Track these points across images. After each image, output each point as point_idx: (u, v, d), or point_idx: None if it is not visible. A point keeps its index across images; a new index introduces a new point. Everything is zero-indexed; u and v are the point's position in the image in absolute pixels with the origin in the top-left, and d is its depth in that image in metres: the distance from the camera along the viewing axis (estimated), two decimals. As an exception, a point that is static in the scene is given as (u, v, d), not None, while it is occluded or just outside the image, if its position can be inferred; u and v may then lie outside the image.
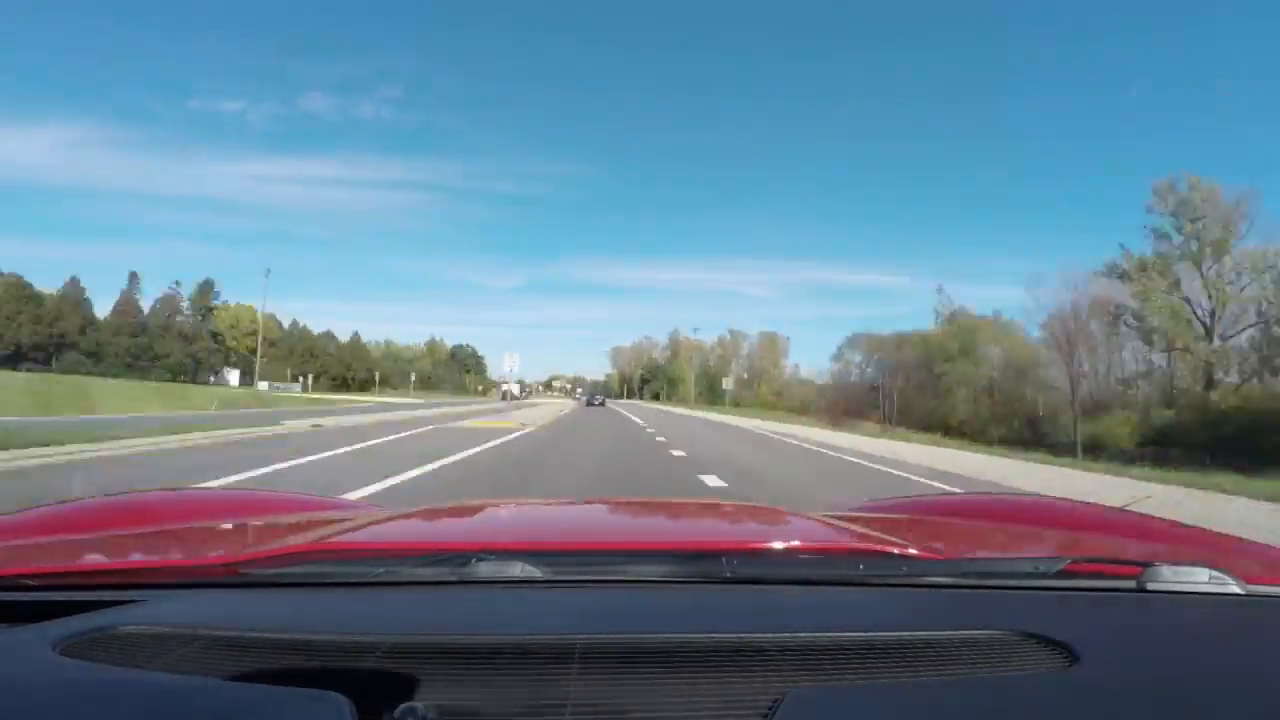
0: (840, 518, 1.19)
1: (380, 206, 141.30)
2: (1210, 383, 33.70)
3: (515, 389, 57.62)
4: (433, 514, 1.28)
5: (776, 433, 22.97)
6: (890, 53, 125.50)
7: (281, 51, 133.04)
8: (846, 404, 52.16)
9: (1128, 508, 1.68)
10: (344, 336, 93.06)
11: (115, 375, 46.45)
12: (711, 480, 8.48)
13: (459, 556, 0.76)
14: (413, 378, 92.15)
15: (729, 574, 0.76)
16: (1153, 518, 1.32)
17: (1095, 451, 28.04)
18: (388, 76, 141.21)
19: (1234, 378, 34.00)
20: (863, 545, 0.87)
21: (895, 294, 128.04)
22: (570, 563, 0.78)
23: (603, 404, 53.27)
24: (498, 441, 13.23)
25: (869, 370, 60.25)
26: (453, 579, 0.74)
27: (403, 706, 0.50)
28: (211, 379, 66.61)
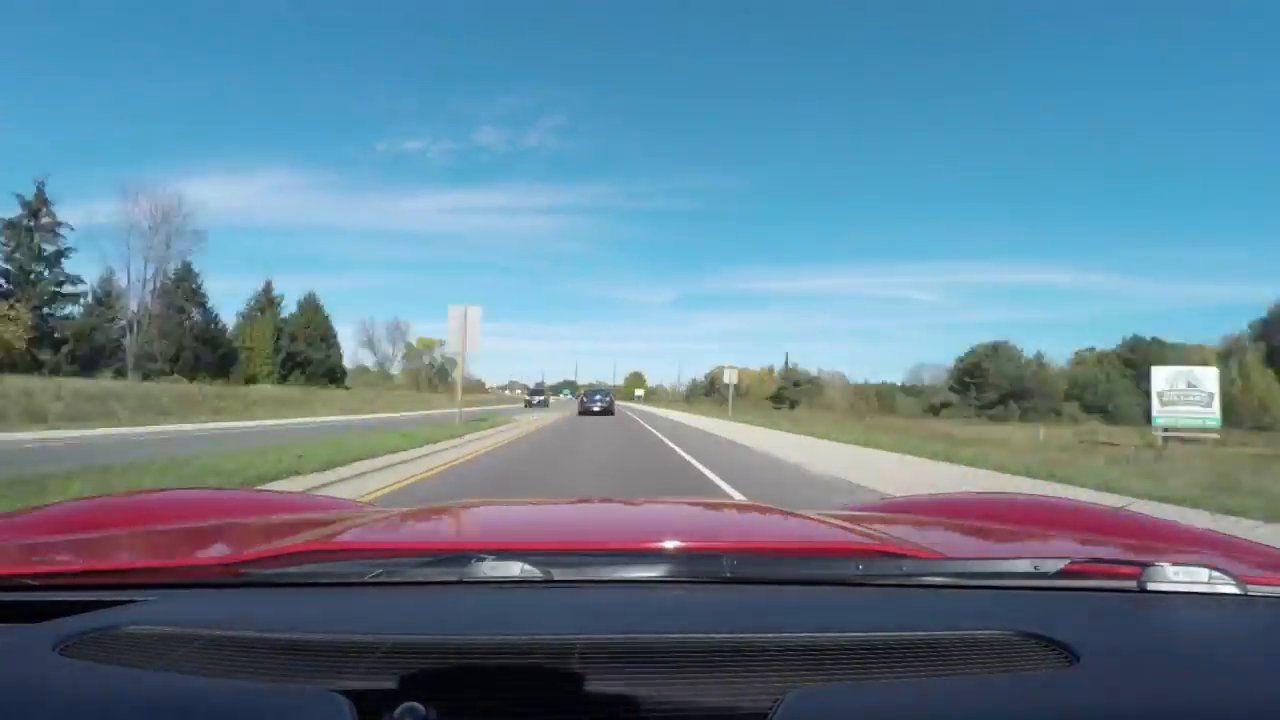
0: (840, 517, 1.19)
1: (542, 232, 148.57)
2: None
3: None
4: (433, 514, 1.28)
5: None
6: (1055, 46, 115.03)
7: (456, 91, 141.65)
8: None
9: (1128, 508, 1.68)
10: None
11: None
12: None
13: (459, 556, 0.76)
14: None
15: (729, 574, 0.76)
16: (1153, 518, 1.32)
17: None
18: (552, 106, 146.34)
19: None
20: (862, 545, 0.87)
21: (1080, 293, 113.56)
22: (570, 563, 0.78)
23: (608, 409, 32.33)
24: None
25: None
26: (453, 579, 0.74)
27: (403, 706, 0.50)
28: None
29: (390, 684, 0.56)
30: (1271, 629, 0.69)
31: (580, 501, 1.80)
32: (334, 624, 0.66)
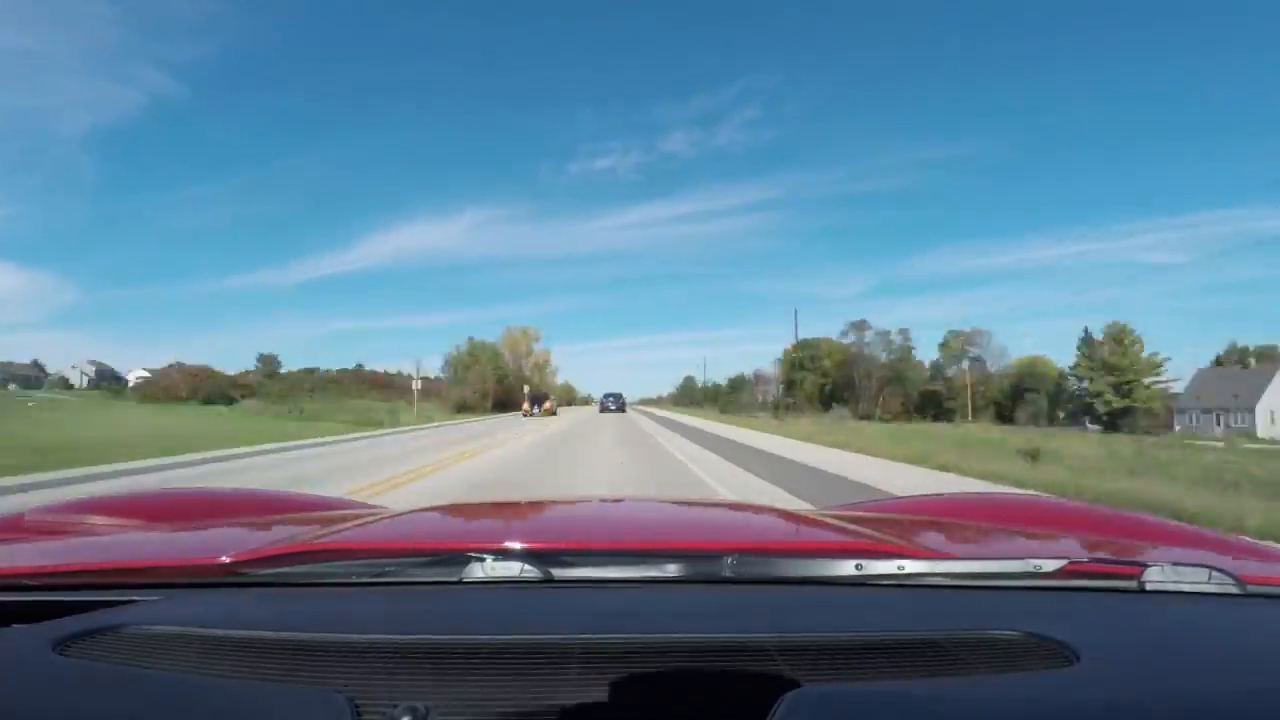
0: (840, 517, 1.19)
1: (725, 233, 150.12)
2: None
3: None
4: (433, 514, 1.28)
5: None
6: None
7: (644, 101, 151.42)
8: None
9: (1127, 508, 1.68)
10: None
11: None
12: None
13: (459, 556, 0.76)
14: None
15: (729, 574, 0.75)
16: (1153, 518, 1.32)
17: None
18: (745, 99, 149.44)
19: None
20: (863, 545, 0.87)
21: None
22: (570, 563, 0.78)
23: (620, 409, 43.69)
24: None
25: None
26: (452, 579, 0.74)
27: (402, 706, 0.50)
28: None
29: (390, 684, 0.56)
30: (1271, 629, 0.69)
31: (580, 502, 1.80)
32: (334, 624, 0.66)
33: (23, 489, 6.99)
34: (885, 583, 0.76)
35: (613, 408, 42.59)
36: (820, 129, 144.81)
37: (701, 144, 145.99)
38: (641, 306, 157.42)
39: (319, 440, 15.84)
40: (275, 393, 46.44)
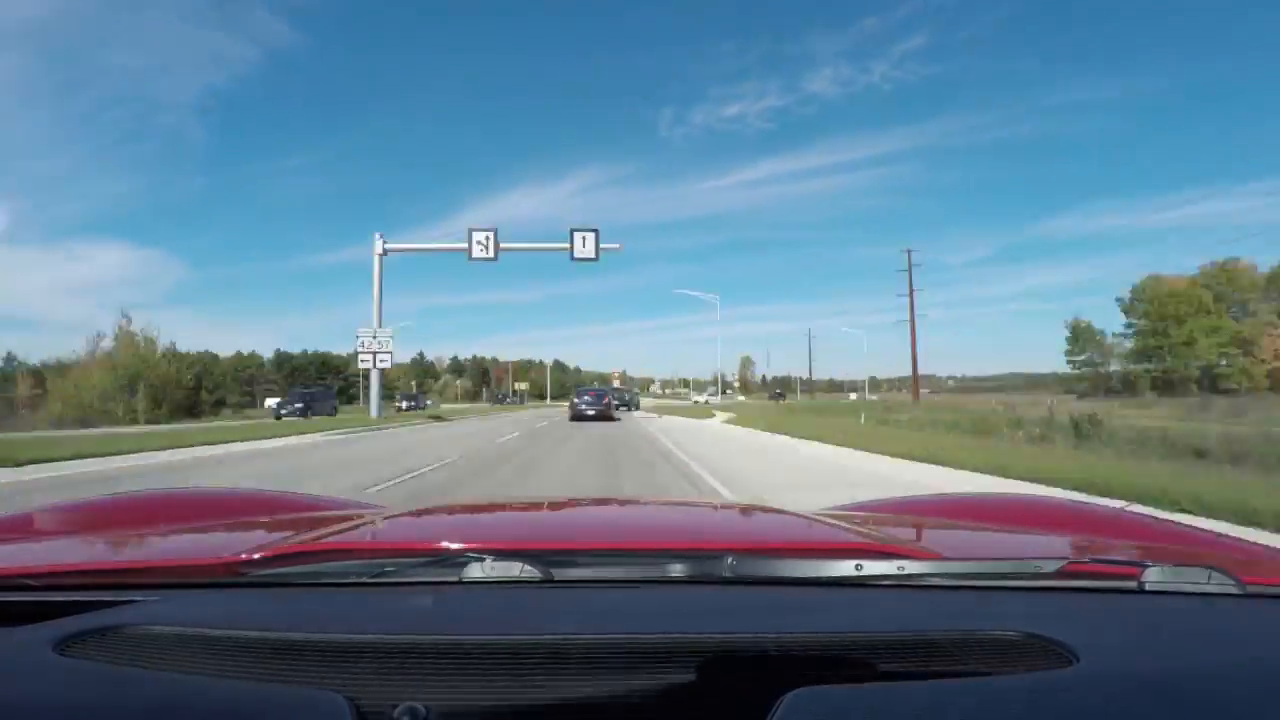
0: (840, 517, 1.19)
1: (846, 190, 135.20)
2: None
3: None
4: (432, 514, 1.28)
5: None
6: None
7: (797, 29, 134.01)
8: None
9: (1127, 508, 1.68)
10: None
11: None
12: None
13: (458, 556, 0.76)
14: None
15: (729, 574, 0.75)
16: (1153, 518, 1.32)
17: None
18: (913, 25, 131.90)
19: None
20: (862, 545, 0.87)
21: None
22: (570, 563, 0.78)
23: (605, 413, 25.51)
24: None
25: None
26: (452, 579, 0.74)
27: (402, 706, 0.50)
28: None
29: (390, 684, 0.56)
30: (1271, 629, 0.69)
31: (580, 502, 1.80)
32: (334, 624, 0.66)
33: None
34: (885, 583, 0.76)
35: (590, 413, 24.97)
36: (989, 63, 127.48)
37: (850, 82, 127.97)
38: (734, 278, 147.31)
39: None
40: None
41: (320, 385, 51.15)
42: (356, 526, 1.07)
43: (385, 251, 25.36)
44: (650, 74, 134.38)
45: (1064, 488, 6.45)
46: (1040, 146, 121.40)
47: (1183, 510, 5.16)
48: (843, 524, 1.07)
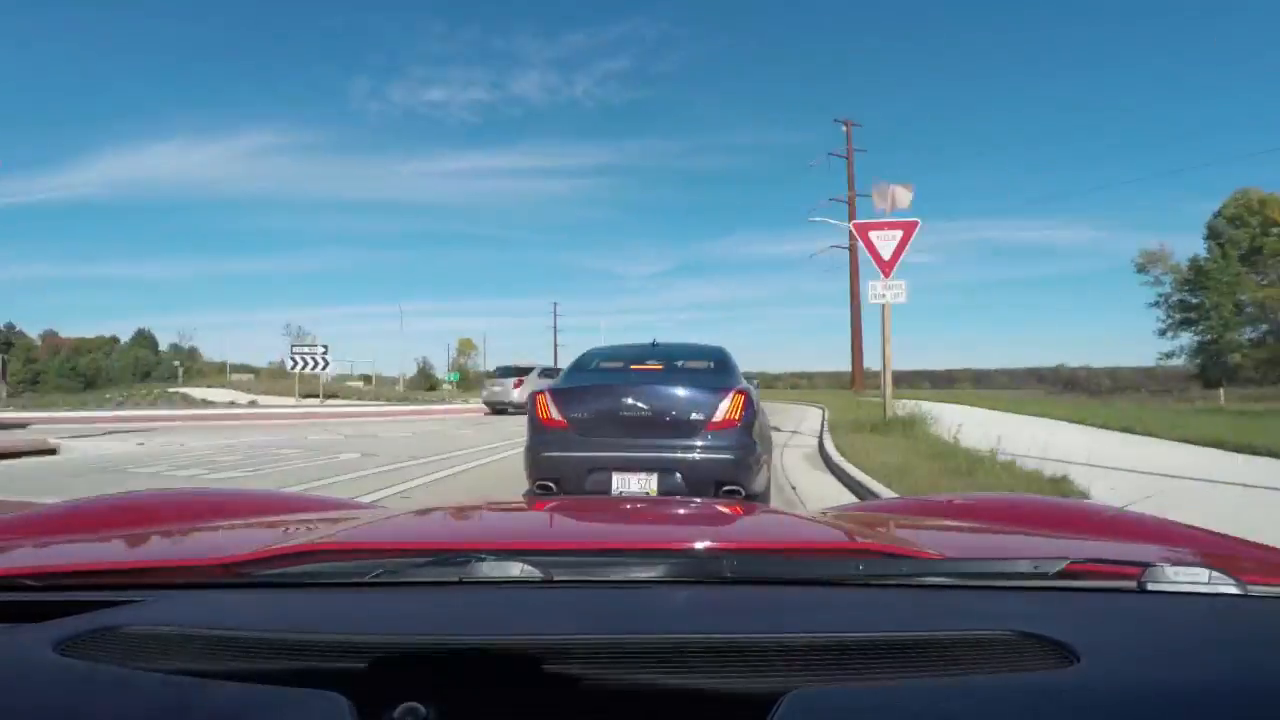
0: (840, 517, 1.19)
1: (549, 197, 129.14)
2: None
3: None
4: (432, 514, 1.28)
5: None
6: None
7: (509, 24, 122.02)
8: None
9: (1127, 508, 1.68)
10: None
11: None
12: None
13: (459, 556, 0.76)
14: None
15: (729, 574, 0.75)
16: (1153, 517, 1.32)
17: None
18: (620, 45, 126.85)
19: None
20: (863, 545, 0.87)
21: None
22: (570, 563, 0.78)
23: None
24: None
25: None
26: (452, 579, 0.74)
27: (403, 706, 0.50)
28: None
29: (390, 684, 0.56)
30: (1271, 629, 0.69)
31: (580, 501, 1.80)
32: (334, 624, 0.66)
33: None
34: (885, 583, 0.76)
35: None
36: (680, 95, 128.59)
37: (556, 91, 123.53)
38: (433, 269, 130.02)
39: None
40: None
41: None
42: (356, 526, 1.07)
43: None
44: (345, 36, 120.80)
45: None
46: (714, 178, 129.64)
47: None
48: (843, 524, 1.07)
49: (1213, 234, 41.10)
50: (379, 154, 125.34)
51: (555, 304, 61.12)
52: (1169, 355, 42.76)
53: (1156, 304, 42.18)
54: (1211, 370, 38.12)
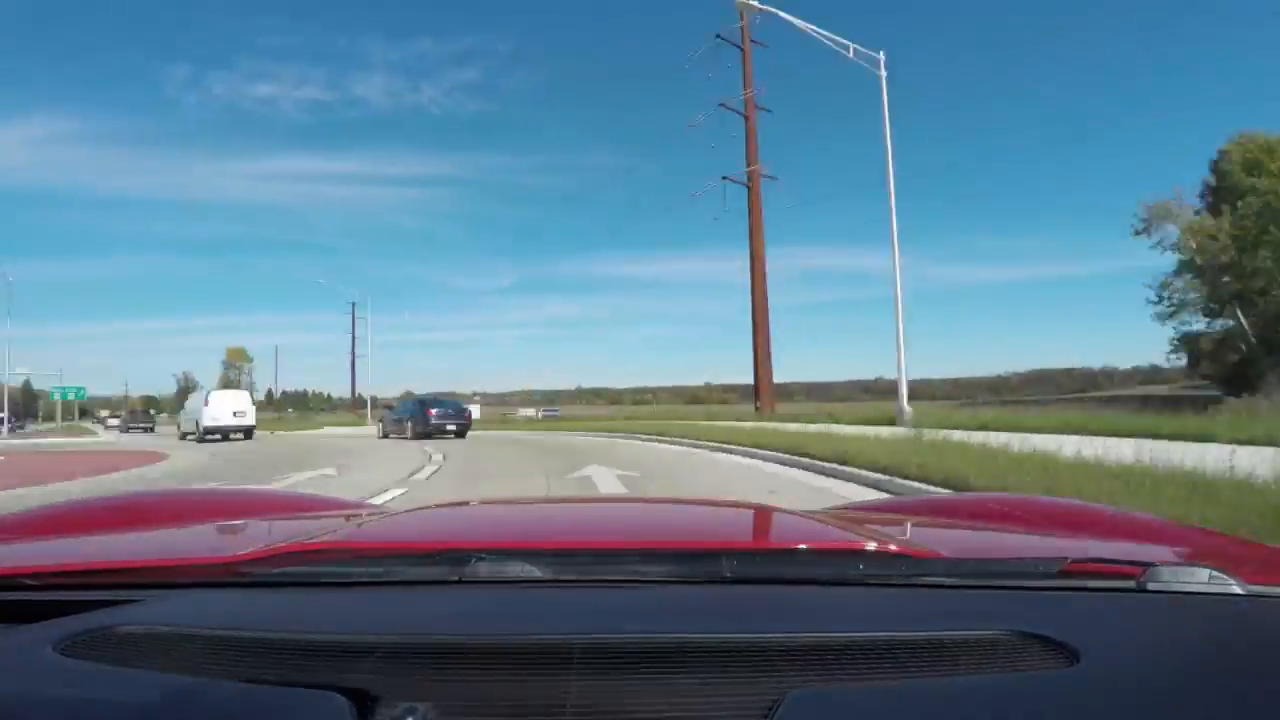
0: (840, 517, 1.19)
1: (382, 205, 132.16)
2: None
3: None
4: (432, 514, 1.28)
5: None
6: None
7: (353, 23, 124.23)
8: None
9: (1127, 508, 1.68)
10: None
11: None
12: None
13: (459, 556, 0.76)
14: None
15: (729, 574, 0.75)
16: (1153, 518, 1.32)
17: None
18: (474, 55, 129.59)
19: None
20: (863, 545, 0.87)
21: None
22: (569, 563, 0.78)
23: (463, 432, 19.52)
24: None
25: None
26: (452, 579, 0.74)
27: (403, 706, 0.50)
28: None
29: (390, 684, 0.56)
30: (1272, 629, 0.69)
31: (580, 501, 1.80)
32: (334, 624, 0.66)
33: None
34: (885, 583, 0.76)
35: (451, 429, 19.23)
36: (527, 114, 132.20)
37: (399, 97, 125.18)
38: (244, 278, 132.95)
39: None
40: None
41: None
42: (357, 526, 1.07)
43: None
44: (162, 19, 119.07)
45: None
46: (559, 196, 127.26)
47: None
48: (843, 524, 1.07)
49: (1219, 174, 30.71)
50: (193, 150, 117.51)
51: (354, 304, 57.04)
52: (1184, 341, 33.44)
53: (1160, 288, 32.66)
54: (1260, 363, 27.74)
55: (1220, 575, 0.74)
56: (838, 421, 15.27)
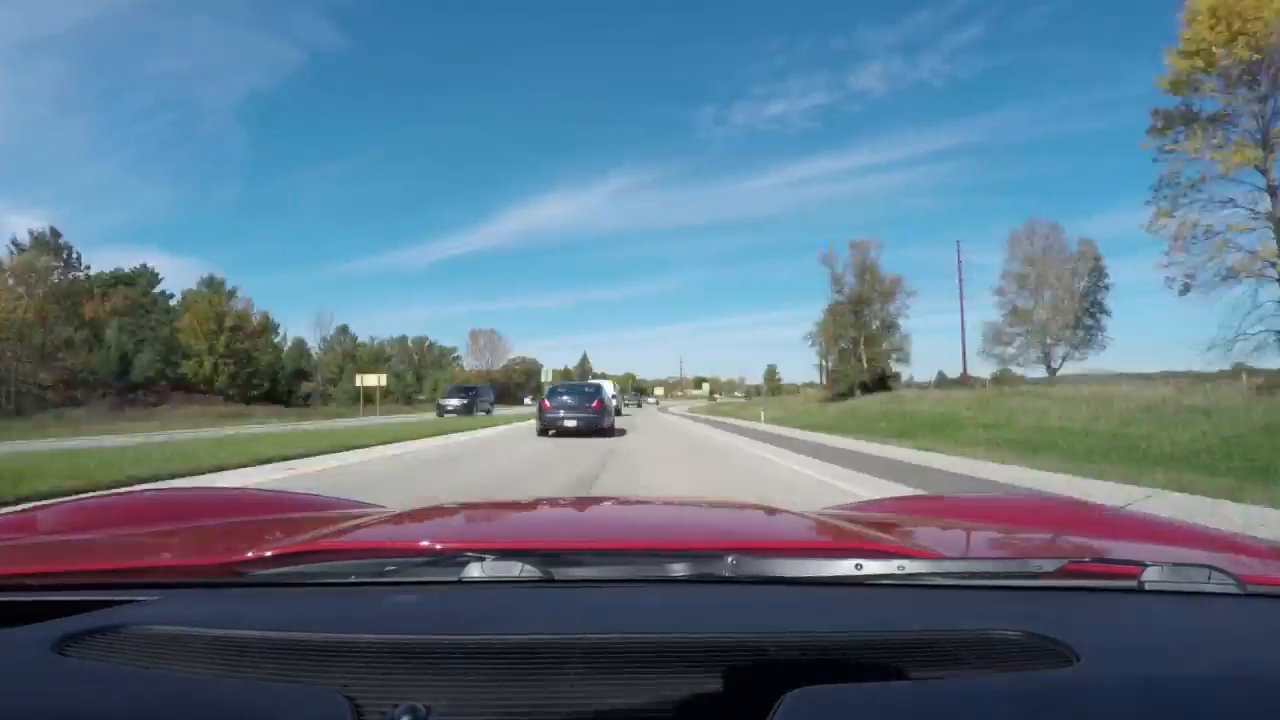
0: (840, 517, 1.19)
1: (889, 190, 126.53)
2: None
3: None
4: (433, 514, 1.28)
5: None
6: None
7: (847, 23, 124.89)
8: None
9: (1127, 507, 1.68)
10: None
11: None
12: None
13: (459, 556, 0.76)
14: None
15: (729, 574, 0.75)
16: (1153, 517, 1.32)
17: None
18: (970, 14, 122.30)
19: None
20: (862, 545, 0.87)
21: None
22: (570, 563, 0.78)
23: (600, 426, 15.35)
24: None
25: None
26: (452, 579, 0.74)
27: (402, 706, 0.50)
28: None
29: (390, 684, 0.56)
30: (1271, 629, 0.69)
31: (580, 501, 1.80)
32: (334, 624, 0.66)
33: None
34: (885, 583, 0.76)
35: (570, 424, 15.12)
36: (1041, 54, 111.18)
37: (899, 78, 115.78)
38: (774, 280, 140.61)
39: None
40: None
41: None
42: (357, 527, 1.07)
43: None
44: (691, 72, 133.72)
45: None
46: (1081, 141, 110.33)
47: None
48: (843, 523, 1.07)
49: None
50: (724, 175, 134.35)
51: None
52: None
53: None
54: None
55: (1220, 575, 0.74)
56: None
